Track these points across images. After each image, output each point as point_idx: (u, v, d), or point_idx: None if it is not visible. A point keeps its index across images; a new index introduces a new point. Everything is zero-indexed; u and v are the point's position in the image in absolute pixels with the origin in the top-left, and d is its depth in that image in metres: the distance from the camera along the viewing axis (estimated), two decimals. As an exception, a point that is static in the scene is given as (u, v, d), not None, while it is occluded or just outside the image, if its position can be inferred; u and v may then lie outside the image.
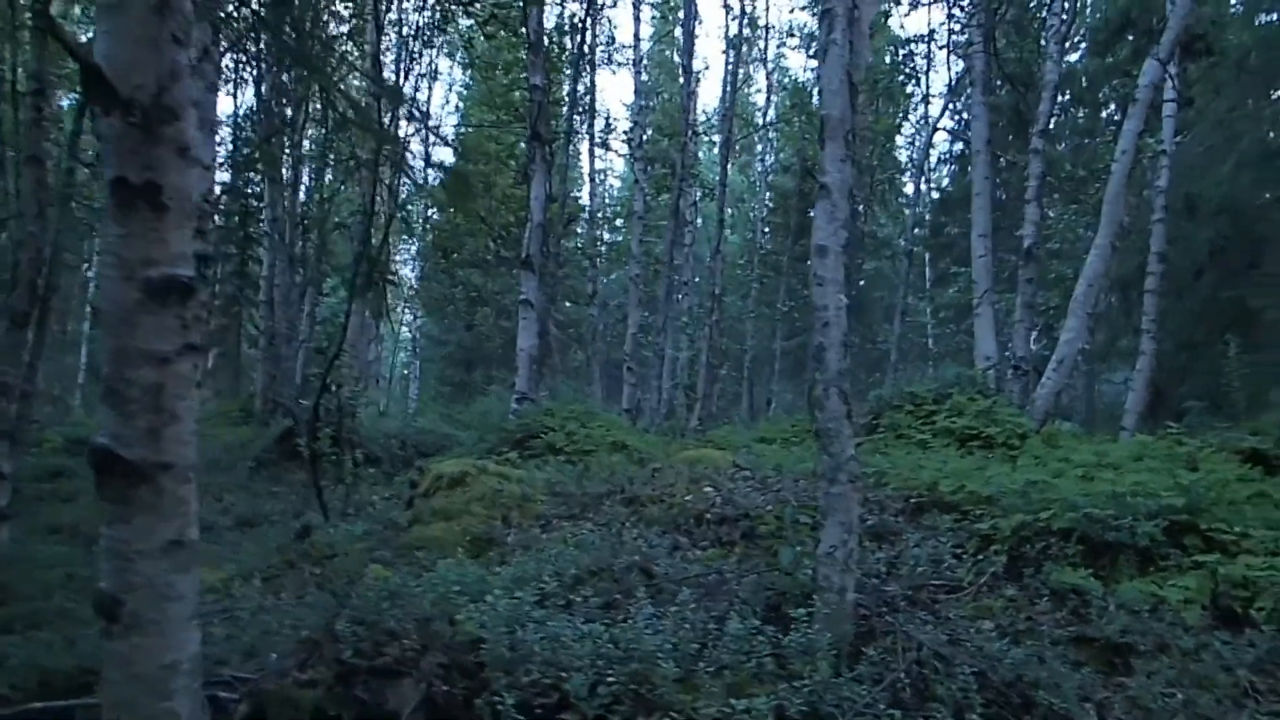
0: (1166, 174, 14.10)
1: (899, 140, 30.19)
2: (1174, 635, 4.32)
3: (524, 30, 14.32)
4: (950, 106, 24.46)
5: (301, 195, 21.88)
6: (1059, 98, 20.38)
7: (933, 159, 27.54)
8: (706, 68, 59.42)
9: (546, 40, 19.03)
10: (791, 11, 47.41)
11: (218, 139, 19.97)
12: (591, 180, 27.56)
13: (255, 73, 17.92)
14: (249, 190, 21.76)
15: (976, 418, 8.98)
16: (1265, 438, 6.97)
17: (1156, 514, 4.97)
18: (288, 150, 18.66)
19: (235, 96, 21.10)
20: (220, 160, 18.77)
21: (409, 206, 26.18)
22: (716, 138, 25.42)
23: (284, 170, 18.75)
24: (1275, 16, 15.30)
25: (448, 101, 39.91)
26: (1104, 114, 21.73)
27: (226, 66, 18.79)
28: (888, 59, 21.77)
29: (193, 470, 2.83)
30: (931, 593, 4.66)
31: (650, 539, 5.56)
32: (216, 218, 22.79)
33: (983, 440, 8.63)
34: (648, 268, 24.08)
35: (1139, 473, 5.77)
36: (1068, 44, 16.76)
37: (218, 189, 13.70)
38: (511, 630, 3.34)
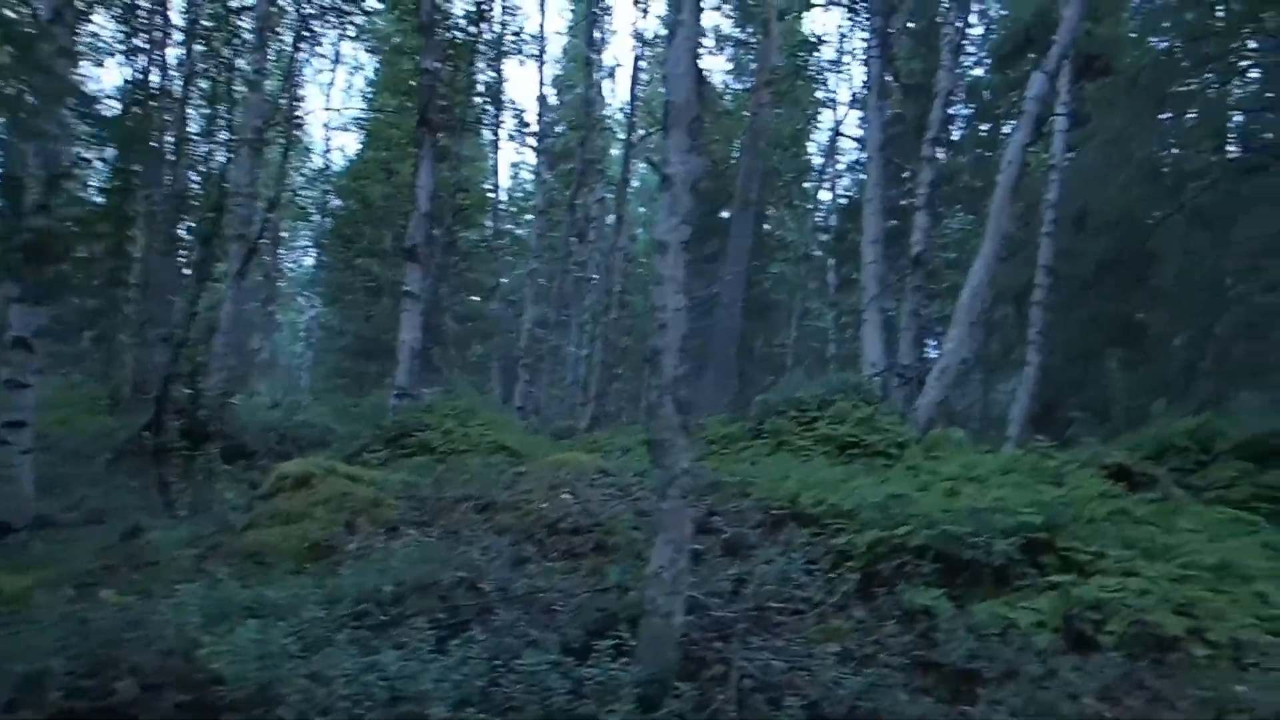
0: (1056, 188, 14.25)
1: (811, 148, 30.20)
2: (1022, 660, 4.12)
3: (417, 12, 13.77)
4: (859, 114, 24.60)
5: (193, 175, 20.80)
6: (963, 109, 20.64)
7: (840, 165, 27.71)
8: (618, 65, 59.03)
9: (448, 26, 18.49)
10: (704, 11, 47.29)
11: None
12: (495, 173, 26.95)
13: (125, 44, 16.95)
14: (131, 169, 20.55)
15: (858, 425, 8.80)
16: (1132, 453, 6.92)
17: (1014, 531, 4.79)
18: (169, 125, 17.67)
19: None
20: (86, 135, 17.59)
21: (304, 191, 25.22)
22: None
23: (163, 146, 17.75)
24: (1165, 43, 15.56)
25: (350, 85, 38.95)
26: (1006, 129, 22.00)
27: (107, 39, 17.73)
28: (798, 63, 21.67)
29: None
30: (776, 614, 4.37)
31: (496, 549, 5.16)
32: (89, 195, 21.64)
33: (863, 448, 8.45)
34: (551, 263, 23.63)
35: (1003, 487, 5.60)
36: (968, 56, 16.90)
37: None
38: (265, 666, 2.90)
